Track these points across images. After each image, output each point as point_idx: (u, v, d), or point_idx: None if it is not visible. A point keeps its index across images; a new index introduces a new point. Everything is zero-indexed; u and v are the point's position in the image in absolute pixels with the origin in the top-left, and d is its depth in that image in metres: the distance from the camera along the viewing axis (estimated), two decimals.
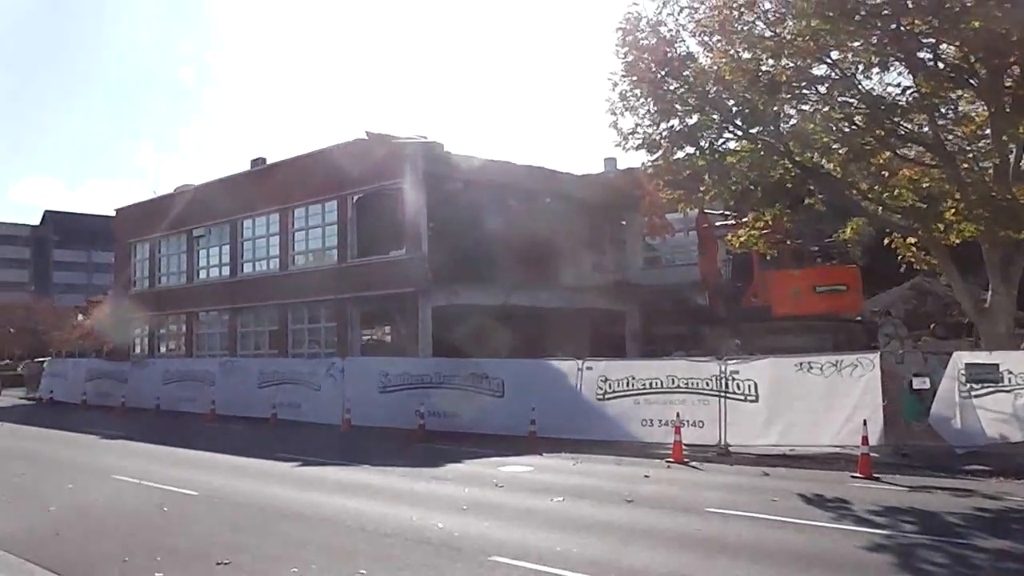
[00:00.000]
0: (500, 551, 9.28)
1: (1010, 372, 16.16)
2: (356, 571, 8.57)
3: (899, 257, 21.58)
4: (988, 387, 16.31)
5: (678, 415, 18.08)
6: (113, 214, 48.78)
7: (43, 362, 45.89)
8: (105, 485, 14.62)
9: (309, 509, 12.17)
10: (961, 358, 16.89)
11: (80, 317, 66.03)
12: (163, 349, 42.92)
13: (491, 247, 30.65)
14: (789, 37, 17.29)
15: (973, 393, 16.42)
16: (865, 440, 15.53)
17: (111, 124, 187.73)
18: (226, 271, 38.53)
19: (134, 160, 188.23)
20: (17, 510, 12.25)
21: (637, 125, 18.85)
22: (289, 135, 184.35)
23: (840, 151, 18.55)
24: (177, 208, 40.75)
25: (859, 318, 25.99)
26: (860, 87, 18.11)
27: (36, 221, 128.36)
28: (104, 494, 13.68)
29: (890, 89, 18.58)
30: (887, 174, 20.03)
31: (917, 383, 17.14)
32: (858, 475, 14.90)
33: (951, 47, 17.54)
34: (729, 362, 18.67)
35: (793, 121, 18.73)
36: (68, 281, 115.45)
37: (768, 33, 17.78)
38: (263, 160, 39.44)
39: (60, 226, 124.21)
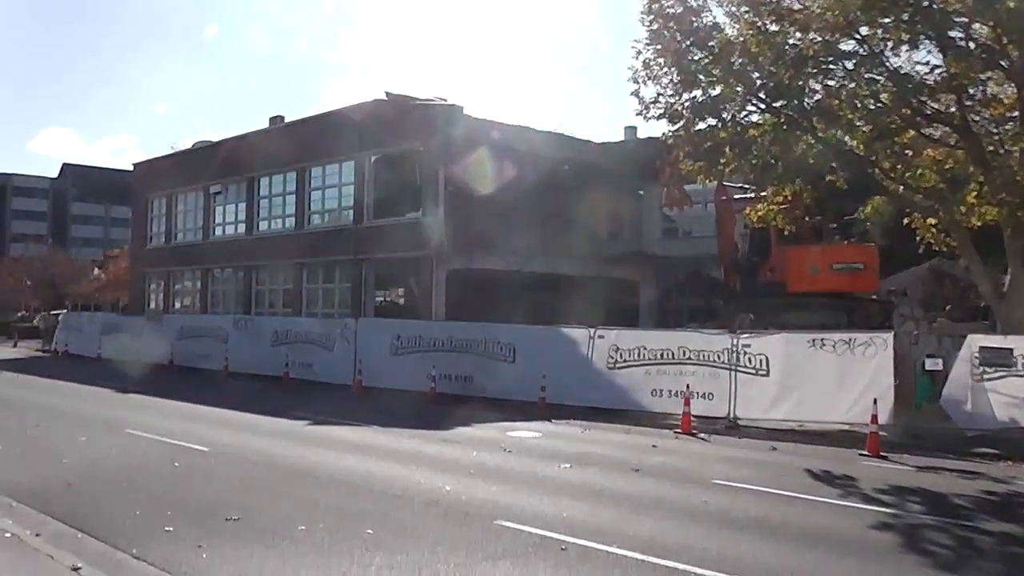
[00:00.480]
0: (507, 516, 9.36)
1: None
2: (364, 531, 8.67)
3: (918, 238, 21.42)
4: (1001, 371, 16.25)
5: (688, 387, 18.12)
6: (131, 168, 48.96)
7: (59, 315, 46.24)
8: (118, 439, 14.80)
9: (319, 468, 12.29)
10: (976, 341, 16.82)
11: (97, 271, 66.53)
12: (178, 305, 43.18)
13: (508, 212, 30.59)
14: (818, 11, 17.04)
15: (986, 377, 16.36)
16: (875, 419, 15.54)
17: (132, 78, 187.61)
18: (242, 228, 38.65)
19: (153, 115, 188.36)
20: (31, 462, 12.40)
21: (659, 95, 18.71)
22: (309, 95, 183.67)
23: (864, 129, 18.35)
24: (194, 164, 40.85)
25: (875, 297, 25.85)
26: (888, 64, 17.85)
27: (54, 174, 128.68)
28: (117, 448, 13.84)
29: (919, 68, 18.30)
30: (911, 154, 19.82)
31: (930, 364, 17.14)
32: (866, 453, 14.92)
33: (984, 27, 17.23)
34: (741, 336, 18.67)
35: (818, 96, 18.50)
36: (85, 235, 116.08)
37: (797, 6, 17.55)
38: (281, 118, 39.39)
39: (78, 179, 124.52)
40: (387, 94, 31.35)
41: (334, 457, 13.35)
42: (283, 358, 27.09)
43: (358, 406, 21.29)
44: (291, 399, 22.03)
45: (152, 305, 44.37)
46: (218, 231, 40.51)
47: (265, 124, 40.06)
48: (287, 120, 38.49)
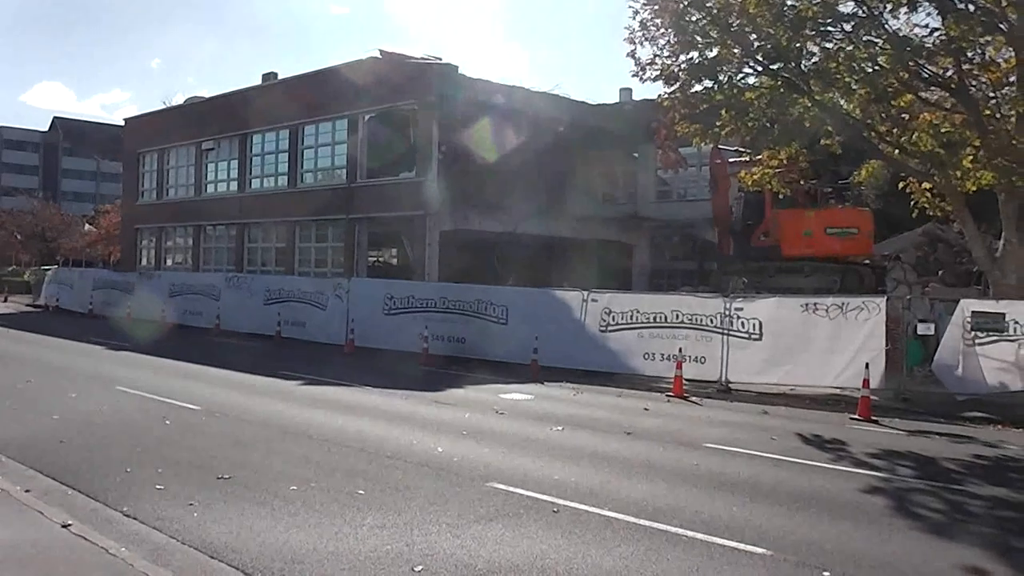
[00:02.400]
0: (498, 478, 9.35)
1: (1016, 322, 16.09)
2: (355, 491, 8.64)
3: (913, 202, 21.34)
4: (993, 336, 16.27)
5: (680, 350, 18.14)
6: (123, 123, 48.49)
7: (48, 270, 46.04)
8: (109, 395, 14.74)
9: (311, 428, 12.27)
10: (968, 306, 16.80)
11: (88, 226, 66.15)
12: (169, 262, 43.00)
13: (502, 173, 30.40)
14: None
15: (977, 341, 16.38)
16: (866, 383, 15.58)
17: (126, 33, 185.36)
18: (234, 186, 38.45)
19: (147, 70, 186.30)
20: (21, 417, 12.33)
21: (656, 56, 18.49)
22: (304, 52, 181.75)
23: (861, 92, 18.19)
24: (187, 120, 40.50)
25: (869, 262, 25.84)
26: (887, 27, 17.65)
27: (46, 128, 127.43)
28: (107, 404, 13.78)
29: (917, 30, 18.15)
30: (907, 117, 19.69)
31: (922, 329, 17.14)
32: (858, 417, 14.99)
33: None
34: (734, 300, 18.64)
35: (815, 59, 18.29)
36: (76, 189, 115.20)
37: None
38: (274, 75, 38.99)
39: (69, 133, 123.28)
40: (382, 52, 31.01)
41: (326, 417, 13.31)
42: (275, 317, 27.04)
43: (350, 366, 21.26)
44: (283, 358, 21.98)
45: (144, 261, 44.23)
46: (210, 188, 40.26)
47: (259, 81, 39.64)
48: (281, 77, 38.08)
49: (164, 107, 47.18)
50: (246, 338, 26.77)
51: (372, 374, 19.17)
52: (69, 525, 7.18)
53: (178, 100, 47.74)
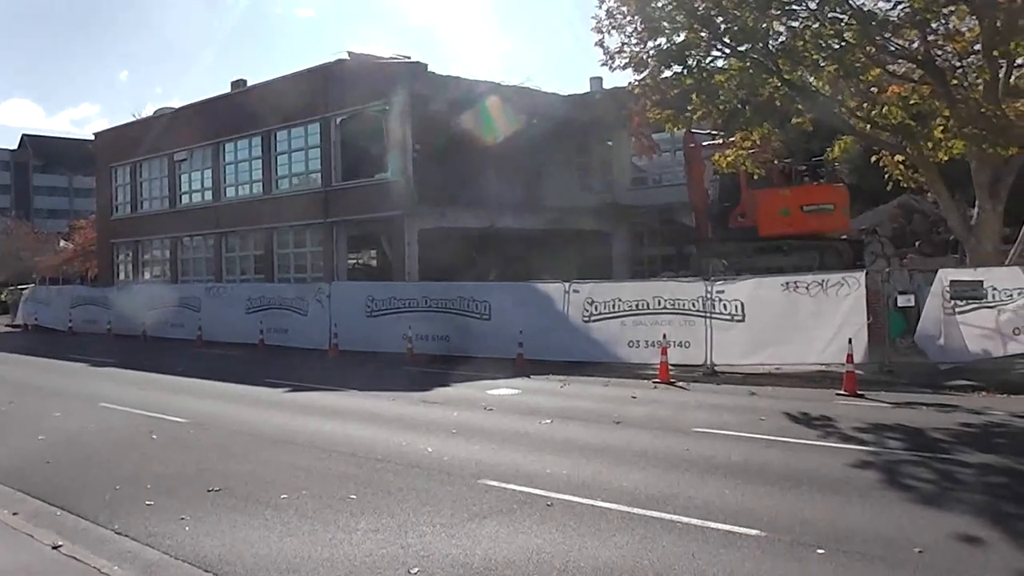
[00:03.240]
0: (490, 474, 9.32)
1: (994, 288, 16.23)
2: (347, 496, 8.60)
3: (887, 175, 21.48)
4: (972, 304, 16.39)
5: (664, 336, 18.16)
6: (93, 138, 48.06)
7: (24, 289, 45.60)
8: (94, 413, 14.61)
9: (299, 435, 12.19)
10: (946, 275, 16.92)
11: (63, 243, 65.51)
12: (147, 275, 42.65)
13: (478, 169, 30.31)
14: None
15: (957, 310, 16.49)
16: (850, 358, 15.65)
17: (92, 46, 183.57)
18: (209, 195, 38.15)
19: (116, 83, 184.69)
20: (5, 439, 12.20)
21: (624, 44, 18.48)
22: (271, 58, 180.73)
23: (830, 68, 18.27)
24: (157, 131, 40.15)
25: (846, 237, 25.97)
26: (851, 2, 17.72)
27: (15, 146, 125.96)
28: (93, 422, 13.66)
29: (881, 4, 18.21)
30: (876, 91, 19.81)
31: (902, 301, 17.25)
32: (843, 393, 15.06)
33: None
34: (715, 283, 18.69)
35: (783, 38, 18.33)
36: (50, 206, 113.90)
37: None
38: (244, 82, 38.71)
39: (39, 150, 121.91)
40: (350, 54, 30.85)
41: (314, 423, 13.24)
42: (257, 325, 26.89)
43: (336, 370, 21.19)
44: (268, 366, 21.91)
45: (122, 276, 43.86)
46: (185, 199, 39.93)
47: (228, 88, 39.35)
48: (250, 84, 37.83)
49: (134, 119, 46.76)
50: (229, 348, 26.61)
51: (358, 377, 19.11)
52: (60, 546, 7.11)
53: (148, 112, 47.23)
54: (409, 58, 30.83)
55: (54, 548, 7.07)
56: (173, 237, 40.04)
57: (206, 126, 36.59)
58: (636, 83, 19.10)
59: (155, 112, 44.41)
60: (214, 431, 12.79)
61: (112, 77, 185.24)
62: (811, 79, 19.38)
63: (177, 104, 41.66)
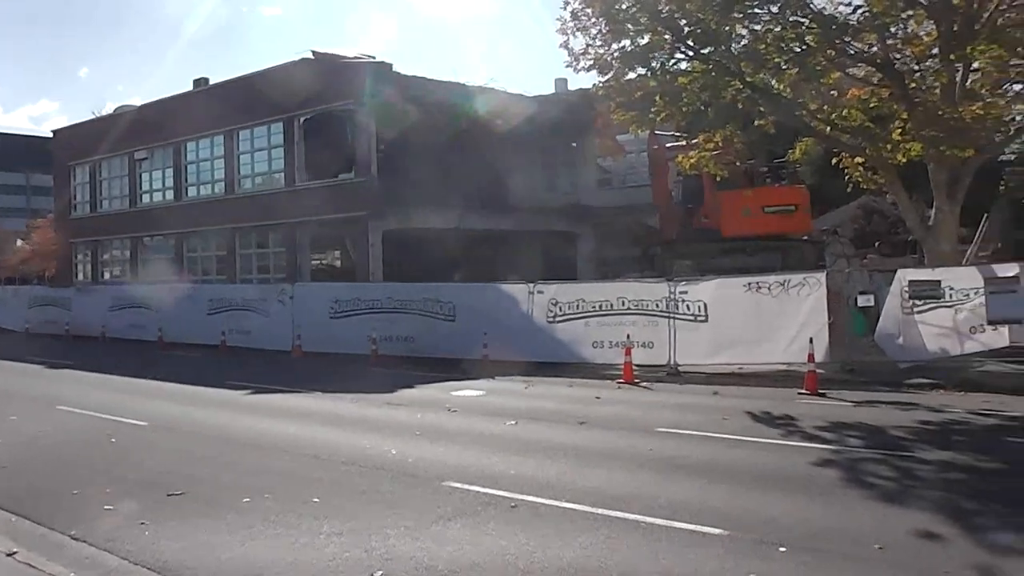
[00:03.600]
0: (455, 476, 9.28)
1: (951, 288, 16.48)
2: (310, 499, 8.51)
3: (847, 177, 21.73)
4: (930, 303, 16.64)
5: (628, 336, 18.20)
6: (51, 135, 47.29)
7: None
8: (51, 416, 14.36)
9: (262, 437, 12.08)
10: (905, 275, 17.17)
11: (20, 242, 64.45)
12: (107, 275, 42.05)
13: (443, 169, 30.23)
14: None
15: (916, 309, 16.75)
16: (811, 357, 15.82)
17: (50, 43, 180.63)
18: (170, 195, 37.72)
19: (75, 80, 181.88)
20: None
21: (588, 45, 18.58)
22: (236, 56, 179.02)
23: (791, 71, 18.48)
24: (118, 130, 39.60)
25: (808, 237, 26.25)
26: (812, 6, 17.95)
27: None
28: (51, 425, 13.41)
29: (841, 8, 18.50)
30: (837, 94, 20.09)
31: (862, 300, 17.45)
32: (805, 392, 15.22)
33: None
34: (679, 283, 18.78)
35: (745, 41, 18.53)
36: (6, 204, 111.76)
37: None
38: (206, 80, 38.31)
39: None
40: (314, 53, 30.62)
41: (277, 425, 13.12)
42: (220, 326, 26.61)
43: (299, 372, 20.99)
44: (230, 368, 21.71)
45: (80, 276, 43.24)
46: (145, 198, 39.45)
47: (190, 87, 38.93)
48: (213, 82, 37.44)
49: (94, 117, 46.10)
50: (191, 349, 26.30)
51: (322, 379, 18.95)
52: (14, 553, 6.97)
53: (108, 109, 46.53)
54: (374, 58, 30.68)
55: (8, 555, 6.93)
56: (133, 237, 39.54)
57: (167, 125, 36.14)
58: (600, 85, 19.18)
59: (115, 110, 43.84)
60: (175, 434, 12.62)
61: (72, 74, 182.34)
62: (773, 82, 19.58)
63: (138, 102, 41.12)
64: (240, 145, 34.23)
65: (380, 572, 6.45)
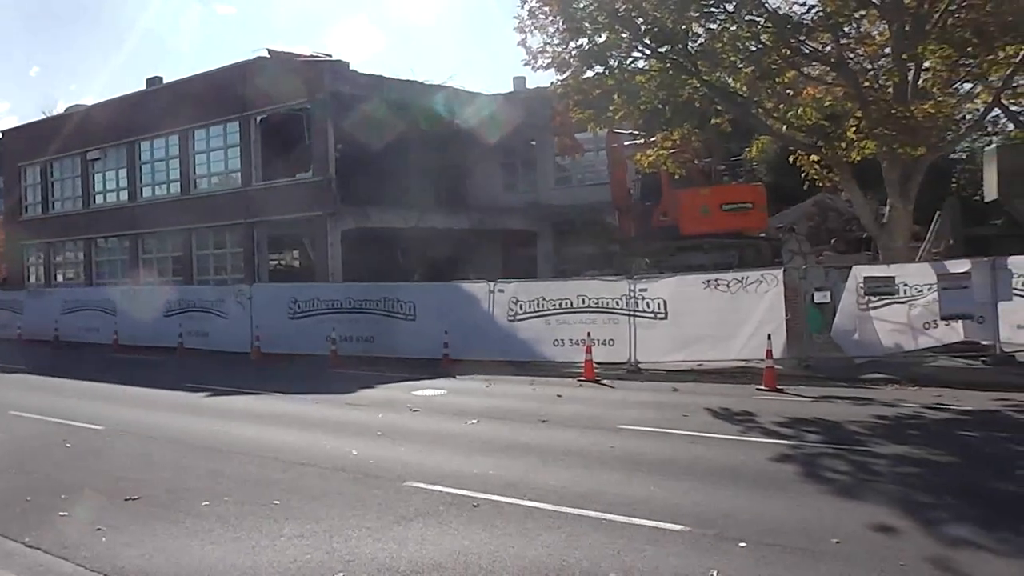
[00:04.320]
0: (416, 476, 9.25)
1: (905, 284, 16.77)
2: (271, 502, 8.44)
3: (803, 175, 21.95)
4: (885, 299, 16.92)
5: (589, 334, 18.28)
6: (0, 136, 46.36)
7: None
8: (3, 421, 14.04)
9: (221, 440, 11.96)
10: (860, 272, 17.44)
11: None
12: (60, 278, 41.38)
13: (401, 168, 30.13)
14: None
15: (871, 305, 17.03)
16: (769, 353, 16.02)
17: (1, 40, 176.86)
18: (124, 195, 37.21)
19: (26, 79, 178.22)
20: None
21: (546, 44, 18.60)
22: (190, 55, 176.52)
23: (747, 70, 18.65)
24: (69, 129, 38.97)
25: (764, 235, 26.51)
26: (767, 5, 18.16)
27: None
28: (2, 430, 13.14)
29: (796, 8, 18.71)
30: (792, 93, 20.29)
31: (819, 297, 17.69)
32: (763, 388, 15.40)
33: None
34: (638, 281, 18.91)
35: (701, 40, 18.66)
36: None
37: None
38: (160, 79, 37.81)
39: None
40: (270, 52, 30.39)
41: (236, 428, 13.01)
42: (176, 328, 26.30)
43: (258, 374, 20.84)
44: (187, 370, 21.43)
45: (33, 279, 42.46)
46: (99, 199, 38.88)
47: (144, 86, 38.40)
48: (167, 81, 36.96)
49: (45, 117, 45.32)
50: (147, 352, 25.95)
51: (281, 381, 18.81)
52: None
53: (59, 109, 45.73)
54: (330, 56, 30.50)
55: None
56: (87, 239, 38.93)
57: (121, 124, 35.61)
58: (559, 83, 19.21)
59: (67, 109, 43.11)
60: (131, 438, 12.42)
61: (22, 73, 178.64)
62: (729, 80, 19.75)
63: (91, 101, 40.39)
64: (196, 145, 33.84)
65: (342, 573, 6.41)
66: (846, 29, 18.80)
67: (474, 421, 12.95)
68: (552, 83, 19.73)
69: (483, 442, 11.35)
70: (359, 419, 13.61)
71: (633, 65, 18.96)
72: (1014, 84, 19.03)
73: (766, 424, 12.08)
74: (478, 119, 32.57)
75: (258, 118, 31.15)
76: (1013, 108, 20.60)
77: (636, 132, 24.96)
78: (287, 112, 30.26)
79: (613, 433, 11.71)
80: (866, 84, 19.16)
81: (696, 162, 24.27)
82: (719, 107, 19.55)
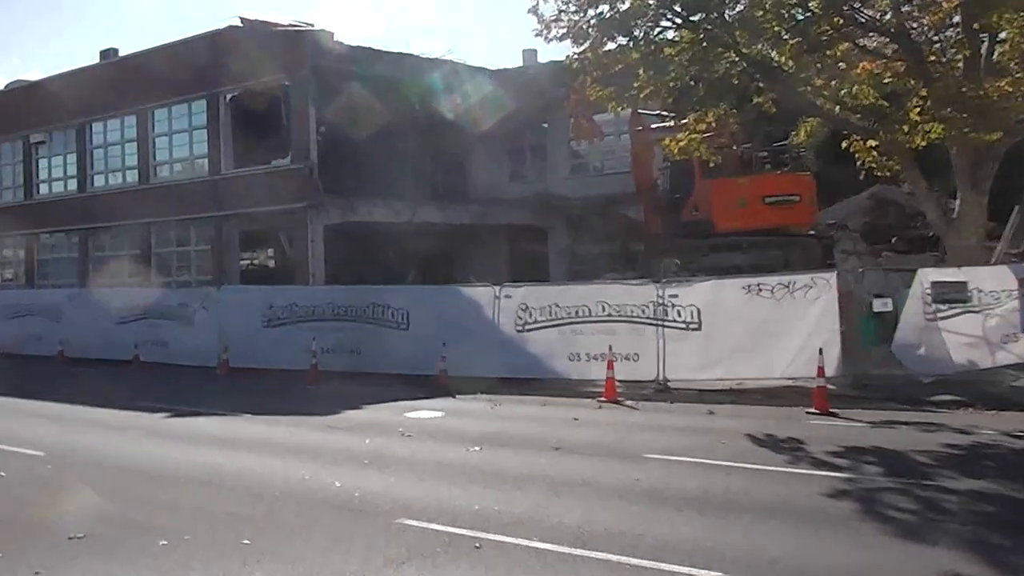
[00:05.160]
0: (409, 512, 9.19)
1: (980, 290, 16.67)
2: (239, 541, 8.37)
3: (858, 163, 21.84)
4: (956, 308, 16.81)
5: (610, 347, 18.21)
6: None
7: None
8: None
9: (181, 469, 11.90)
10: (927, 275, 17.30)
11: None
12: None
13: (393, 155, 30.12)
14: None
15: (940, 315, 16.89)
16: (821, 371, 15.89)
17: None
18: (73, 185, 37.40)
19: None
20: None
21: (561, 11, 18.53)
22: (150, 24, 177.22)
23: (793, 42, 18.53)
24: (10, 109, 39.10)
25: (813, 232, 26.38)
26: None
27: None
28: None
29: None
30: (845, 68, 20.16)
31: (878, 305, 17.56)
32: (814, 411, 15.27)
33: None
34: (667, 285, 18.83)
35: (740, 7, 18.59)
36: None
37: None
38: (115, 51, 37.91)
39: None
40: (243, 20, 30.40)
41: (199, 454, 12.96)
42: (132, 338, 26.28)
43: (226, 391, 20.84)
44: (144, 387, 21.44)
45: None
46: (43, 188, 39.09)
47: (96, 59, 38.49)
48: (123, 54, 37.04)
49: None
50: (98, 365, 25.96)
51: (252, 399, 18.80)
52: None
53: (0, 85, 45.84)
54: (312, 25, 30.50)
55: None
56: (28, 234, 39.09)
57: (70, 103, 35.64)
58: (575, 56, 19.14)
59: (7, 86, 43.21)
60: (77, 466, 12.38)
61: None
62: (772, 54, 19.65)
63: (36, 76, 40.51)
64: (156, 126, 33.94)
65: None
66: None
67: (476, 448, 12.89)
68: (568, 56, 19.67)
69: (487, 473, 11.30)
70: (343, 444, 13.56)
71: (661, 36, 18.87)
72: None
73: (817, 453, 11.96)
74: (481, 98, 32.57)
75: (228, 96, 31.17)
76: None
77: (664, 113, 24.87)
78: (262, 90, 30.29)
79: (638, 463, 11.62)
80: (931, 58, 19.07)
81: (734, 148, 24.15)
82: (760, 84, 19.45)
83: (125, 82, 33.93)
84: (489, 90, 33.42)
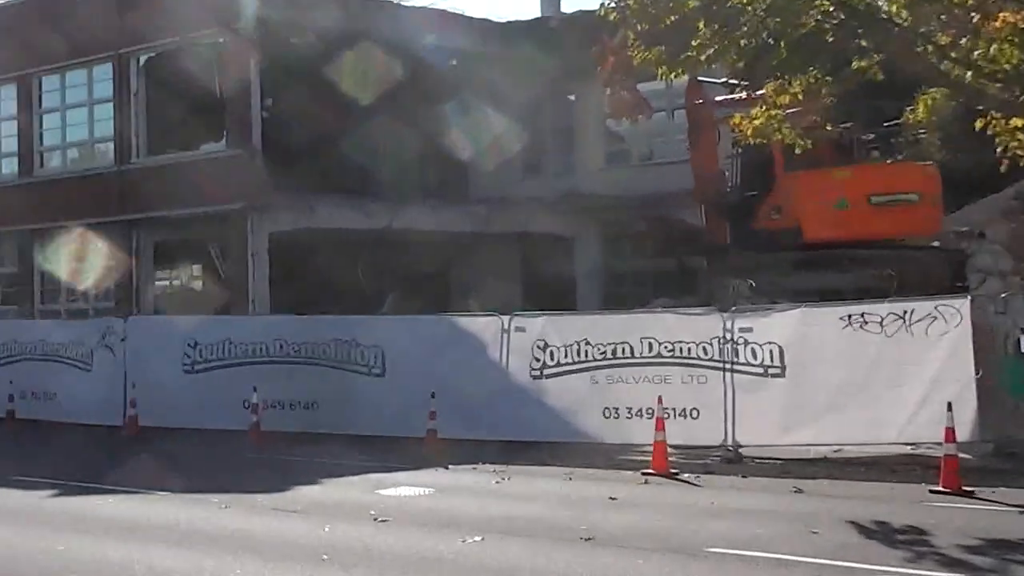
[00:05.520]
0: None
1: None
2: None
3: (998, 149, 21.78)
4: None
5: (660, 400, 18.07)
6: None
7: None
8: None
9: (70, 567, 11.85)
10: None
11: None
12: None
13: (365, 138, 30.17)
14: None
15: None
16: (950, 434, 15.69)
17: None
18: None
19: None
20: None
21: None
22: None
23: None
24: None
25: (937, 244, 26.33)
26: None
27: None
28: None
29: None
30: (979, 20, 20.10)
31: None
32: (941, 489, 15.13)
33: None
34: (738, 315, 18.76)
35: None
36: None
37: None
38: None
39: None
40: None
41: (94, 546, 12.94)
42: (6, 387, 26.32)
43: (134, 459, 20.73)
44: (23, 454, 21.64)
45: None
46: None
47: None
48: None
49: None
50: None
51: (170, 470, 18.73)
52: None
53: None
54: None
55: None
56: None
57: None
58: (613, 5, 19.15)
59: None
60: None
61: None
62: (881, 3, 19.62)
63: None
64: (44, 100, 34.22)
65: None
66: None
67: (477, 538, 12.77)
68: (603, 4, 19.69)
69: (491, 572, 11.23)
70: (294, 533, 13.51)
71: None
72: None
73: (946, 548, 11.81)
74: (485, 63, 32.62)
75: (142, 59, 31.39)
76: None
77: (733, 82, 24.85)
78: (187, 49, 30.42)
79: (698, 559, 11.54)
80: None
81: (827, 129, 24.09)
82: (864, 43, 19.41)
83: (2, 41, 34.09)
84: (495, 51, 33.51)
